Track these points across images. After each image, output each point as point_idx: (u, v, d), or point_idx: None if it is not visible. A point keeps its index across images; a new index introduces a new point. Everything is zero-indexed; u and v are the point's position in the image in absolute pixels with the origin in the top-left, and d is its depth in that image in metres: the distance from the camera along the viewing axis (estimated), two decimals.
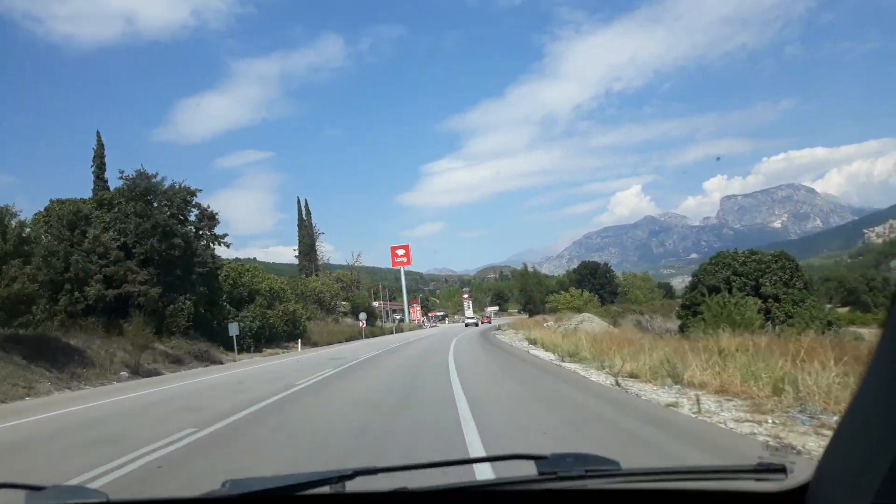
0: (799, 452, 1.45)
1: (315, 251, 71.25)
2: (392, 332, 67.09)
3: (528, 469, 1.34)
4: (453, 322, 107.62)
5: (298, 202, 71.59)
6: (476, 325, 73.74)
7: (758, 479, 1.18)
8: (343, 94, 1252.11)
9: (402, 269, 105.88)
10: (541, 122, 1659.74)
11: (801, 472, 1.11)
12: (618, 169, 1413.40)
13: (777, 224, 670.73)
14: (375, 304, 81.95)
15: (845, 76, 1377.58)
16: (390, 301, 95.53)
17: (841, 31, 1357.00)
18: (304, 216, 70.98)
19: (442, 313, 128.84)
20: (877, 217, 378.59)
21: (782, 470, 1.16)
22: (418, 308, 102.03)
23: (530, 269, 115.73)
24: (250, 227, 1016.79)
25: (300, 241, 70.36)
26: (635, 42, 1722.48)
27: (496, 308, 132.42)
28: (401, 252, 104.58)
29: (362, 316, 57.71)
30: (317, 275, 64.81)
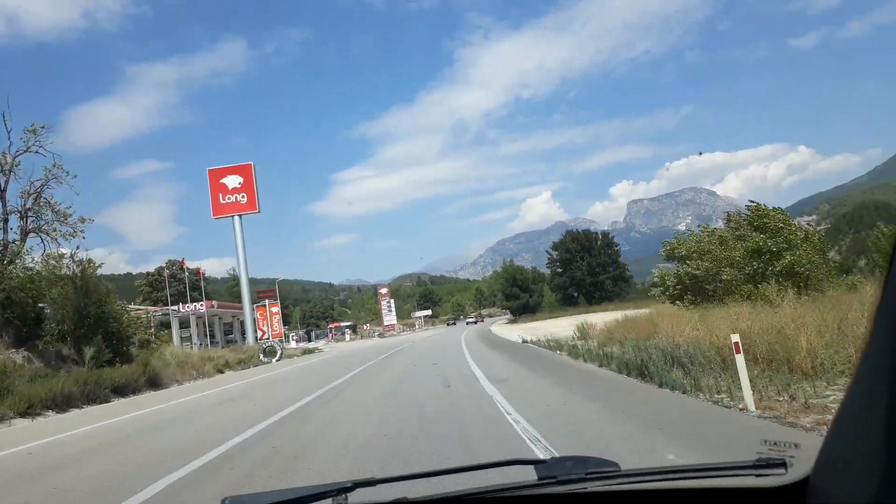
0: (797, 446, 0.74)
1: None
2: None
3: (528, 474, 1.33)
4: (367, 338, 62.51)
5: None
6: (475, 323, 78.90)
7: (758, 475, 1.16)
8: (248, 100, 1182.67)
9: (235, 219, 42.49)
10: (452, 129, 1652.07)
11: (800, 467, 1.09)
12: (527, 176, 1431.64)
13: (682, 226, 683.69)
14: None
15: (740, 83, 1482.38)
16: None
17: (736, 38, 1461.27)
18: None
19: (348, 324, 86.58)
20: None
21: (782, 465, 1.15)
22: (275, 313, 47.93)
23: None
24: (150, 241, 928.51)
25: None
26: (542, 49, 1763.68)
27: (427, 312, 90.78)
28: (234, 180, 42.02)
29: None
30: None
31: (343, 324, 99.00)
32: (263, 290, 55.71)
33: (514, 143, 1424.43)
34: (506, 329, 49.94)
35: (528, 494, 1.29)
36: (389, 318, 68.81)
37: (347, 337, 62.10)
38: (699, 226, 23.36)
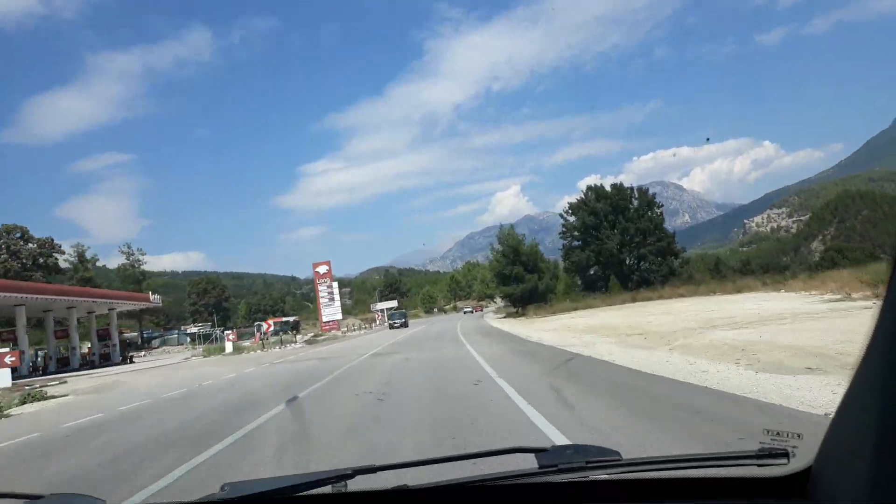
0: (800, 437, 1.06)
1: None
2: None
3: (529, 462, 1.32)
4: (285, 345, 37.91)
5: None
6: (472, 312, 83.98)
7: (760, 465, 1.17)
8: (213, 91, 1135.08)
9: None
10: (421, 121, 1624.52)
11: (802, 457, 1.10)
12: (497, 169, 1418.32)
13: None
14: None
15: (707, 78, 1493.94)
16: None
17: (704, 33, 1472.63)
18: None
19: (290, 319, 64.75)
20: (748, 210, 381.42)
21: (784, 455, 1.16)
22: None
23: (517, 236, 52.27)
24: (113, 235, 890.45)
25: None
26: (513, 42, 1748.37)
27: (391, 304, 68.11)
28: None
29: None
30: None
31: (286, 319, 75.98)
32: None
33: (484, 136, 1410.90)
34: (519, 328, 27.33)
35: (529, 482, 1.28)
36: (331, 310, 45.04)
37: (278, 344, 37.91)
38: None
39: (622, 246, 51.81)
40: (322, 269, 46.51)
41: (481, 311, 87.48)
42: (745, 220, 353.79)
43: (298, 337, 36.97)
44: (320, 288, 45.88)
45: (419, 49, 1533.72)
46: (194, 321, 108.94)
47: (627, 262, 53.00)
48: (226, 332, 38.46)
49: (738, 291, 35.20)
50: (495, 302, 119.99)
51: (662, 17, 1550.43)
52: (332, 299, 44.95)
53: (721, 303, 26.64)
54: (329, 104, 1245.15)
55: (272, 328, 29.06)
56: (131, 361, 40.77)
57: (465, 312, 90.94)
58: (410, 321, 74.27)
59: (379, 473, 1.39)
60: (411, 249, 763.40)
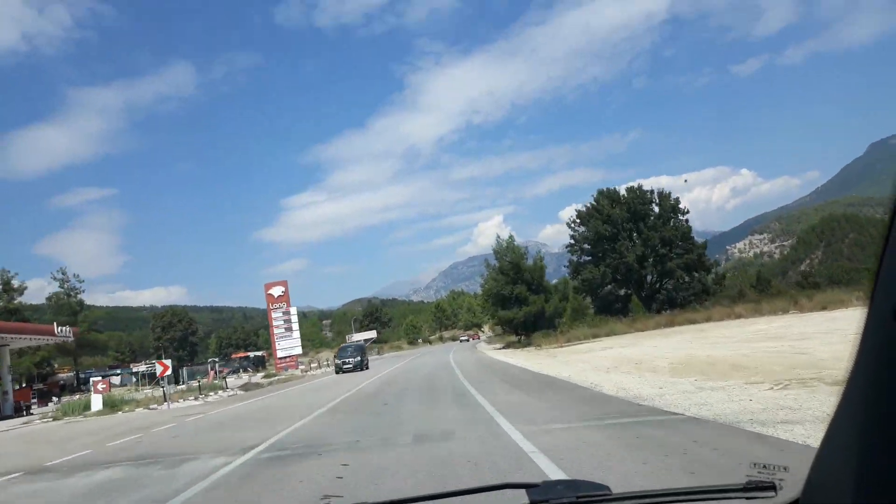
0: (786, 469, 1.15)
1: None
2: None
3: (520, 498, 1.32)
4: (215, 392, 27.63)
5: None
6: (468, 340, 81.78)
7: (748, 498, 1.17)
8: (195, 125, 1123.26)
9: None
10: (403, 154, 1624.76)
11: (790, 489, 1.08)
12: (479, 200, 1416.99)
13: None
14: None
15: (685, 108, 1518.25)
16: None
17: (681, 65, 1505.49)
18: None
19: (255, 354, 56.53)
20: (729, 236, 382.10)
21: (772, 487, 1.15)
22: None
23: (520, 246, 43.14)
24: (93, 270, 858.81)
25: None
26: (494, 75, 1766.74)
27: (370, 335, 58.88)
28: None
29: None
30: None
31: (250, 354, 67.25)
32: None
33: (466, 167, 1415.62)
34: (546, 365, 18.11)
35: None
36: (288, 343, 35.20)
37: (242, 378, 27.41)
38: None
39: (642, 260, 43.20)
40: (276, 291, 36.39)
41: (478, 338, 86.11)
42: (728, 247, 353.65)
43: (232, 379, 27.23)
44: (274, 315, 35.94)
45: (400, 83, 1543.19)
46: (158, 357, 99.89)
47: (650, 278, 44.35)
48: (93, 378, 27.82)
49: (824, 308, 26.61)
50: (483, 331, 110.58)
51: (641, 50, 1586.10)
52: (289, 329, 35.31)
53: (830, 321, 18.01)
54: (312, 137, 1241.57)
55: (168, 371, 19.77)
56: (27, 413, 30.77)
57: (461, 341, 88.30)
58: (392, 354, 64.59)
59: None
60: (394, 280, 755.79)
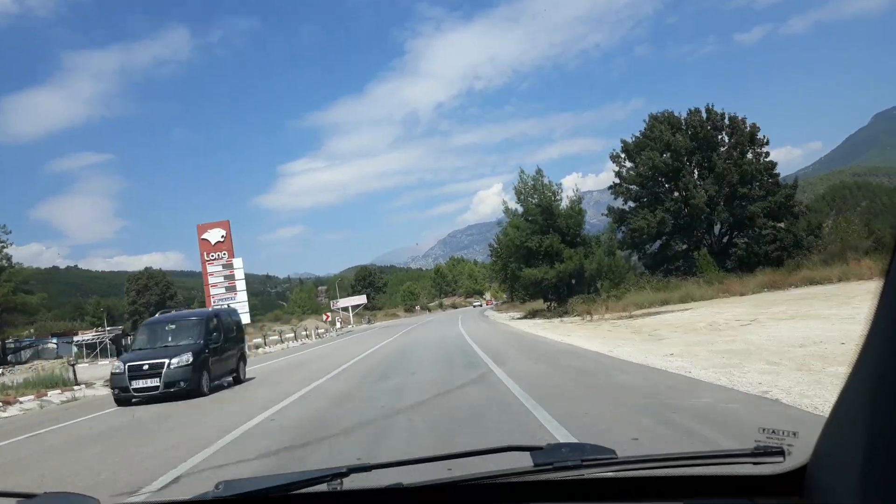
0: (795, 435, 1.11)
1: None
2: None
3: (524, 460, 1.31)
4: None
5: None
6: (481, 306, 79.64)
7: (755, 463, 1.16)
8: (192, 90, 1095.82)
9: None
10: (402, 121, 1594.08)
11: (798, 455, 1.09)
12: (479, 168, 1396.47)
13: None
14: None
15: (688, 77, 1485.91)
16: None
17: (684, 33, 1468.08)
18: None
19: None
20: None
21: (780, 453, 1.15)
22: None
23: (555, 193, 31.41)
24: (90, 235, 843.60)
25: None
26: (495, 41, 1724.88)
27: (359, 300, 47.21)
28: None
29: None
30: None
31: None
32: None
33: (466, 134, 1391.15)
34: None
35: (524, 481, 1.27)
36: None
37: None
38: None
39: (714, 203, 32.82)
40: (214, 236, 25.09)
41: (492, 304, 78.35)
42: None
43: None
44: (211, 269, 25.29)
45: (400, 48, 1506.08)
46: (133, 323, 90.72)
47: (718, 228, 34.09)
48: None
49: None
50: (484, 297, 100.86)
51: (643, 17, 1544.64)
52: (231, 288, 25.08)
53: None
54: (309, 103, 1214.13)
55: None
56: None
57: (474, 306, 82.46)
58: (385, 323, 54.72)
59: (374, 471, 1.37)
60: (392, 248, 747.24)
